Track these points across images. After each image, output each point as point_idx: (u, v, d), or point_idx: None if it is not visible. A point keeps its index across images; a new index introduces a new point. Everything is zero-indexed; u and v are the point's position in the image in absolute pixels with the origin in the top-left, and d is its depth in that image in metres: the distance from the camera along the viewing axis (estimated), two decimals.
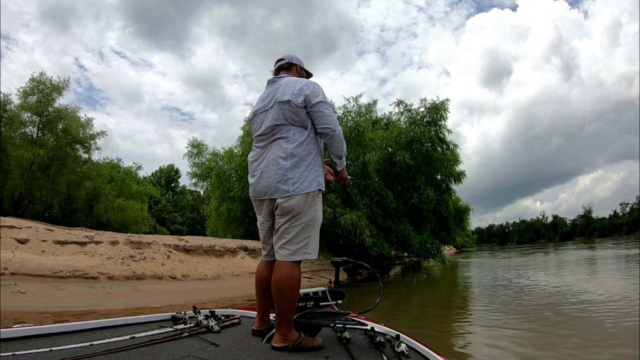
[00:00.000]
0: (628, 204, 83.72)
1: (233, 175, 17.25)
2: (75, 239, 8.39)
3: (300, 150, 1.74)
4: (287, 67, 2.00)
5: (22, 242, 7.90)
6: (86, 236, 8.66)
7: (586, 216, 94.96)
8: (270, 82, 1.94)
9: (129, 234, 9.93)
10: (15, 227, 8.13)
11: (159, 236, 10.90)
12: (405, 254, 20.41)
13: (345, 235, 14.92)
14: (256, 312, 1.89)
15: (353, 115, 16.24)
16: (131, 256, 8.36)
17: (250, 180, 1.85)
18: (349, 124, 15.88)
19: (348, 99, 17.45)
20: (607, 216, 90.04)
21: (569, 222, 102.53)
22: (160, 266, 8.49)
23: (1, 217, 9.06)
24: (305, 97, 1.77)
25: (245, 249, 11.74)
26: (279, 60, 2.03)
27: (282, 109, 1.78)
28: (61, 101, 18.48)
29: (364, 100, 18.09)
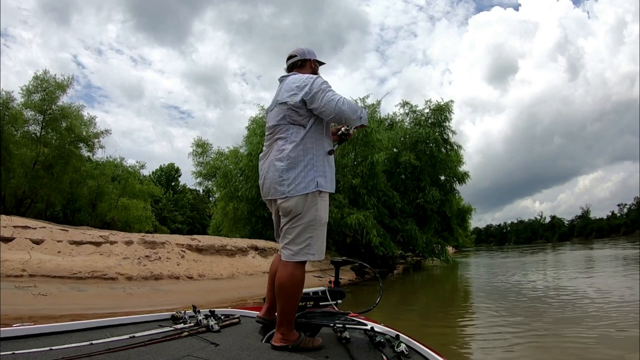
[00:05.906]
0: (626, 205, 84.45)
1: (239, 175, 17.20)
2: (90, 239, 8.34)
3: (297, 151, 1.71)
4: (300, 65, 1.93)
5: (37, 242, 7.83)
6: (100, 236, 8.61)
7: (584, 217, 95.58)
8: (279, 81, 1.92)
9: (142, 234, 9.89)
10: (29, 227, 8.06)
11: (171, 236, 10.86)
12: (410, 254, 20.47)
13: (352, 235, 14.96)
14: (263, 306, 1.89)
15: None
16: (147, 256, 8.32)
17: (259, 180, 1.85)
18: None
19: (355, 100, 17.49)
20: (605, 217, 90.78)
21: (567, 222, 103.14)
22: (176, 266, 8.46)
23: (8, 216, 8.98)
24: (304, 95, 1.73)
25: (256, 249, 11.72)
26: (291, 57, 1.95)
27: (281, 109, 1.77)
28: (64, 99, 18.39)
29: (369, 101, 18.18)
